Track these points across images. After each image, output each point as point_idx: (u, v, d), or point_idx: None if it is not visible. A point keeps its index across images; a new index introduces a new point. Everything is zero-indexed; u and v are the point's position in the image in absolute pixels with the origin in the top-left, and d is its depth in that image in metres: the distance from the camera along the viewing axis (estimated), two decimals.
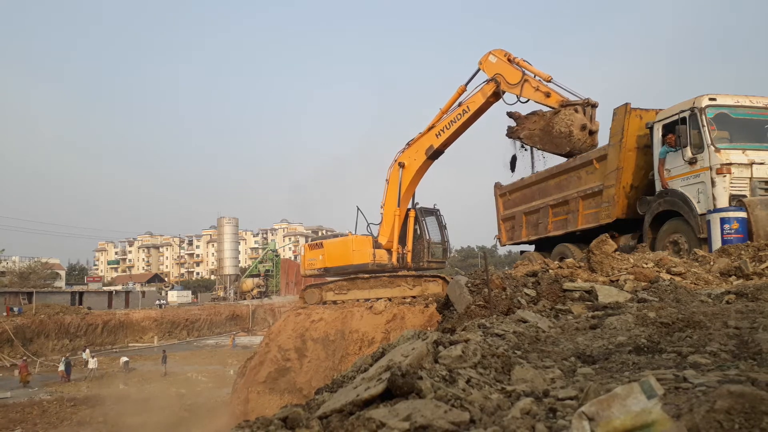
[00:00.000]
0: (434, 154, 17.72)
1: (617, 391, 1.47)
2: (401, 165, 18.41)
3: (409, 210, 19.65)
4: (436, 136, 17.16)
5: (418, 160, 18.01)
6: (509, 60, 14.86)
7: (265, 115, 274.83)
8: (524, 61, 14.72)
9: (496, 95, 15.17)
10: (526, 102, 14.62)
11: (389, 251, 19.59)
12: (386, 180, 19.11)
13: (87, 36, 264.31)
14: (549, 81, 14.06)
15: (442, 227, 21.21)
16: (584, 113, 13.33)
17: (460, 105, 16.25)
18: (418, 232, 20.20)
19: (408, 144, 18.25)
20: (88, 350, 38.60)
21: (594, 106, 13.48)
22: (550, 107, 13.86)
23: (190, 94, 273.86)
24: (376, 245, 19.61)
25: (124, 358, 37.04)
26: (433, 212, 21.15)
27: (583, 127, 12.99)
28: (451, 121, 16.59)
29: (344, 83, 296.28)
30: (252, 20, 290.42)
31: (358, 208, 20.12)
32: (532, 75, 14.37)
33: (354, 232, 20.57)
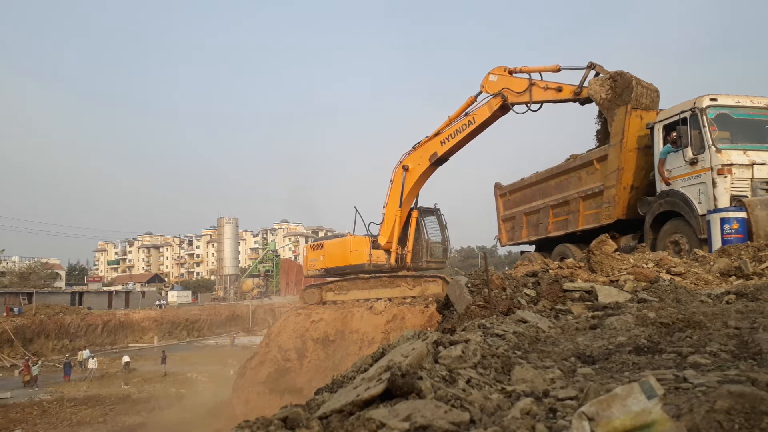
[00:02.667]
0: (438, 161, 17.62)
1: (617, 391, 1.47)
2: (405, 168, 18.39)
3: (411, 210, 19.66)
4: (441, 143, 17.09)
5: (422, 165, 17.95)
6: (510, 73, 14.60)
7: (265, 114, 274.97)
8: (525, 66, 14.47)
9: (504, 108, 14.92)
10: (538, 109, 14.27)
11: (388, 251, 19.60)
12: (390, 181, 19.10)
13: (86, 36, 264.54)
14: (558, 71, 13.72)
15: (442, 227, 21.15)
16: (599, 75, 12.72)
17: (466, 115, 16.14)
18: (418, 232, 20.22)
19: (414, 147, 18.19)
20: (87, 351, 38.55)
21: (599, 65, 12.88)
22: (567, 101, 13.46)
23: (189, 94, 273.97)
24: (375, 246, 19.61)
25: (126, 358, 37.03)
26: (434, 212, 21.08)
27: (612, 78, 12.28)
28: (457, 130, 16.49)
29: (345, 82, 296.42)
30: (252, 20, 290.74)
31: (356, 209, 20.15)
32: (539, 75, 14.13)
33: (352, 233, 20.59)
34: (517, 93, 14.34)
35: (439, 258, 20.93)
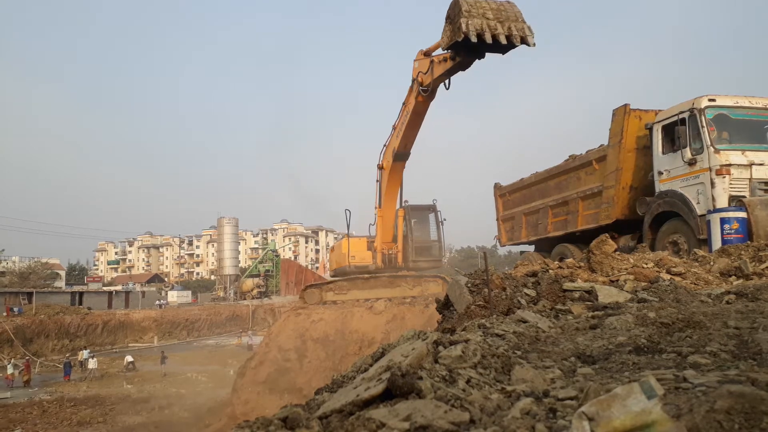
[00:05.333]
0: (397, 156, 17.40)
1: (617, 391, 1.48)
2: (380, 167, 18.37)
3: (398, 209, 19.54)
4: (396, 137, 16.99)
5: (389, 162, 17.80)
6: (426, 54, 14.31)
7: (265, 113, 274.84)
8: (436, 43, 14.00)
9: (425, 92, 14.57)
10: (448, 87, 13.95)
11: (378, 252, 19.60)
12: (377, 181, 19.11)
13: (87, 36, 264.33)
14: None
15: (438, 224, 20.39)
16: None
17: (404, 106, 16.03)
18: (405, 231, 19.82)
19: (384, 146, 18.19)
20: (87, 350, 38.52)
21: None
22: (455, 68, 13.04)
23: (190, 94, 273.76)
24: (371, 247, 19.67)
25: (129, 358, 37.00)
26: (429, 209, 20.46)
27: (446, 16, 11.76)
28: (402, 122, 16.39)
29: (342, 79, 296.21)
30: (252, 20, 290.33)
31: (349, 212, 20.16)
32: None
33: (348, 234, 20.69)
34: (425, 73, 14.07)
35: (431, 257, 20.15)
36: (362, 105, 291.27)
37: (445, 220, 20.73)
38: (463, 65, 12.70)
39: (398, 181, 18.51)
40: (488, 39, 10.97)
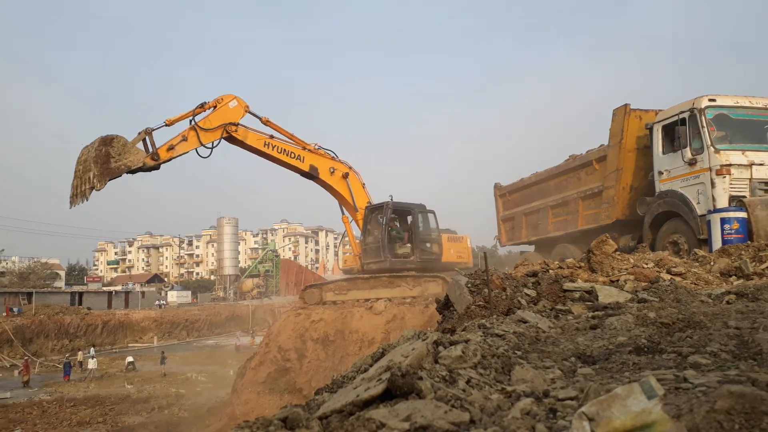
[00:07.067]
0: (302, 175, 18.31)
1: (617, 391, 1.47)
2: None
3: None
4: None
5: None
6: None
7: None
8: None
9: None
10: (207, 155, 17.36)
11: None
12: None
13: (87, 36, 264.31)
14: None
15: (385, 223, 18.70)
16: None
17: None
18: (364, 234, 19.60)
19: None
20: (93, 349, 38.50)
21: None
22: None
23: (190, 93, 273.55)
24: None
25: (130, 358, 37.01)
26: (380, 207, 19.03)
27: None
28: None
29: (339, 76, 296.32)
30: (251, 20, 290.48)
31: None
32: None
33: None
34: None
35: (377, 258, 18.86)
36: (360, 103, 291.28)
37: (393, 217, 18.98)
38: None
39: (333, 192, 18.89)
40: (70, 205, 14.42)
